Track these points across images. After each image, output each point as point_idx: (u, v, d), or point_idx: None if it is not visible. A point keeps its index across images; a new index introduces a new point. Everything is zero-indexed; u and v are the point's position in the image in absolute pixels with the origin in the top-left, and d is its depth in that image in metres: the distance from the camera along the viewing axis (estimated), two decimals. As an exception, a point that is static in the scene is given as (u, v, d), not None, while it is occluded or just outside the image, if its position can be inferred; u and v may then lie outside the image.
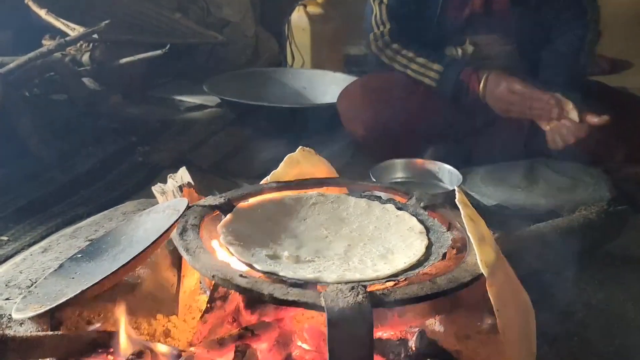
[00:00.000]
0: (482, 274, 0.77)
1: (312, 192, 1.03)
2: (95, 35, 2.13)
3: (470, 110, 1.70)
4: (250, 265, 0.80)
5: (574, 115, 1.51)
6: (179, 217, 0.89)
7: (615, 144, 1.63)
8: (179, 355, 0.82)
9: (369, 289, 0.73)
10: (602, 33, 1.74)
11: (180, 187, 1.08)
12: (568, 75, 1.63)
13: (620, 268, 1.26)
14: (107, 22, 2.01)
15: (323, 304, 0.70)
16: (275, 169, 1.10)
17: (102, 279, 0.83)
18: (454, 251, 0.90)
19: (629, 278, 1.22)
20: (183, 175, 1.13)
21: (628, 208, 1.36)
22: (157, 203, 1.12)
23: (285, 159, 1.11)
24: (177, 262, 1.00)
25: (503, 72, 1.61)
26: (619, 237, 1.32)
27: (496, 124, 1.69)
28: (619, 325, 1.07)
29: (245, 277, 0.76)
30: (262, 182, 1.08)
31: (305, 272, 0.79)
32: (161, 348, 0.81)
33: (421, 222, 0.94)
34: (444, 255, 0.85)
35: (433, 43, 1.71)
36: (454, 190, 0.91)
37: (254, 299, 0.83)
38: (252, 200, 1.00)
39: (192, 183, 1.09)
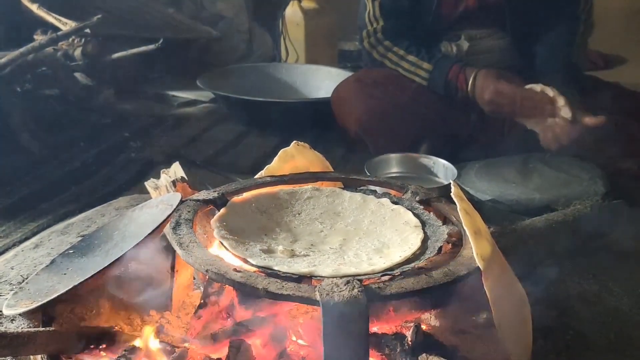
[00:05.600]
0: (478, 267, 0.77)
1: (307, 186, 1.03)
2: (87, 30, 2.11)
3: (464, 106, 1.69)
4: (245, 260, 0.80)
5: (565, 112, 1.51)
6: (172, 212, 0.88)
7: (609, 138, 1.63)
8: (173, 351, 0.81)
9: (364, 283, 0.72)
10: (594, 24, 1.74)
11: (174, 182, 1.07)
12: (562, 67, 1.63)
13: (615, 262, 1.26)
14: (99, 16, 2.00)
15: (318, 298, 0.69)
16: (269, 163, 1.09)
17: (94, 275, 0.82)
18: (450, 245, 0.90)
19: (623, 271, 1.22)
20: (176, 170, 1.11)
21: (622, 202, 1.36)
22: (150, 198, 1.11)
23: (279, 153, 1.10)
24: (170, 258, 0.99)
25: (490, 73, 1.60)
26: (614, 231, 1.32)
27: (491, 118, 1.69)
28: (614, 318, 1.07)
29: (239, 271, 0.75)
30: (256, 177, 1.07)
31: (300, 266, 0.78)
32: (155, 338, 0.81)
33: (417, 216, 0.93)
34: (440, 249, 0.85)
35: (427, 40, 1.71)
36: (449, 184, 0.91)
37: (248, 294, 0.82)
38: (246, 195, 0.99)
39: (186, 178, 1.08)
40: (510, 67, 1.68)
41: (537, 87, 1.54)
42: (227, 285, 0.83)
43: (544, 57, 1.68)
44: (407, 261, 0.81)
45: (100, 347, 0.81)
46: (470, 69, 1.63)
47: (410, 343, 0.81)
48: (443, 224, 0.91)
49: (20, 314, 0.89)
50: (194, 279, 1.02)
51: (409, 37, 1.72)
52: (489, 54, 1.72)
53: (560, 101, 1.51)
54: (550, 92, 1.52)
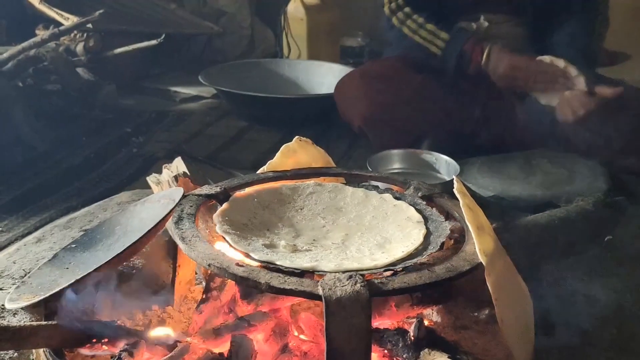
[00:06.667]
0: (480, 263, 0.77)
1: (309, 181, 1.03)
2: (89, 25, 2.11)
3: (468, 99, 1.69)
4: (247, 255, 0.79)
5: (579, 81, 1.52)
6: (175, 206, 0.87)
7: (612, 135, 1.63)
8: (175, 346, 0.81)
9: (366, 278, 0.72)
10: (610, 21, 1.75)
11: (176, 177, 1.07)
12: (578, 60, 1.63)
13: (617, 259, 1.25)
14: (101, 11, 2.00)
15: (320, 292, 0.69)
16: (272, 159, 1.09)
17: (96, 269, 0.82)
18: (452, 241, 0.90)
19: (626, 268, 1.22)
20: (178, 165, 1.12)
21: (625, 199, 1.35)
22: (152, 193, 1.11)
23: (281, 148, 1.10)
24: (172, 252, 0.99)
25: (505, 46, 1.62)
26: (616, 228, 1.32)
27: (494, 114, 1.68)
28: (616, 315, 1.06)
29: (241, 266, 0.75)
30: (258, 172, 1.07)
31: (302, 261, 0.78)
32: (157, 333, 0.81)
33: (419, 211, 0.93)
34: (442, 244, 0.84)
35: (447, 15, 1.71)
36: (451, 180, 0.91)
37: (250, 289, 0.82)
38: (249, 190, 0.99)
39: (188, 173, 1.08)
40: (519, 50, 1.68)
41: (547, 59, 1.56)
42: (229, 280, 0.83)
43: (560, 49, 1.68)
44: (410, 256, 0.81)
45: (102, 341, 0.81)
46: (486, 43, 1.64)
47: (412, 338, 0.81)
48: (445, 220, 0.91)
49: (22, 308, 0.89)
50: (196, 273, 1.03)
51: (430, 8, 1.72)
52: (505, 40, 1.72)
53: (573, 71, 1.52)
54: (561, 62, 1.54)
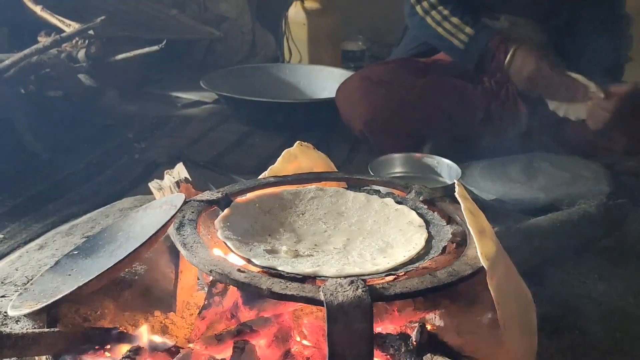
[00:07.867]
0: (482, 267, 0.77)
1: (311, 186, 1.03)
2: (91, 32, 2.12)
3: (470, 101, 1.69)
4: (249, 260, 0.79)
5: (599, 94, 1.55)
6: (176, 212, 0.88)
7: (614, 137, 1.63)
8: (177, 352, 0.81)
9: (368, 283, 0.72)
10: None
11: (178, 183, 1.07)
12: (600, 75, 1.63)
13: (620, 261, 1.25)
14: (102, 18, 2.00)
15: (322, 298, 0.69)
16: (273, 164, 1.09)
17: (98, 275, 0.82)
18: (454, 245, 0.90)
19: (628, 271, 1.22)
20: (180, 170, 1.12)
21: (627, 202, 1.35)
22: (154, 199, 1.11)
23: (283, 153, 1.10)
24: (174, 258, 0.99)
25: (532, 50, 1.62)
26: (619, 230, 1.32)
27: (496, 117, 1.68)
28: (619, 318, 1.06)
29: (243, 271, 0.75)
30: (260, 177, 1.07)
31: (304, 267, 0.78)
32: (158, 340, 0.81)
33: (421, 215, 0.93)
34: (444, 248, 0.84)
35: (470, 10, 1.71)
36: (453, 184, 0.91)
37: (252, 294, 0.83)
38: (250, 195, 0.99)
39: (190, 179, 1.08)
40: (545, 52, 1.68)
41: (573, 75, 1.60)
42: (231, 286, 0.83)
43: (581, 62, 1.67)
44: (411, 261, 0.81)
45: (105, 347, 0.81)
46: (511, 42, 1.64)
47: (414, 343, 0.80)
48: (447, 224, 0.91)
49: (25, 315, 0.89)
50: (198, 279, 1.03)
51: (455, 1, 1.73)
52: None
53: (592, 87, 1.55)
54: (581, 78, 1.57)
